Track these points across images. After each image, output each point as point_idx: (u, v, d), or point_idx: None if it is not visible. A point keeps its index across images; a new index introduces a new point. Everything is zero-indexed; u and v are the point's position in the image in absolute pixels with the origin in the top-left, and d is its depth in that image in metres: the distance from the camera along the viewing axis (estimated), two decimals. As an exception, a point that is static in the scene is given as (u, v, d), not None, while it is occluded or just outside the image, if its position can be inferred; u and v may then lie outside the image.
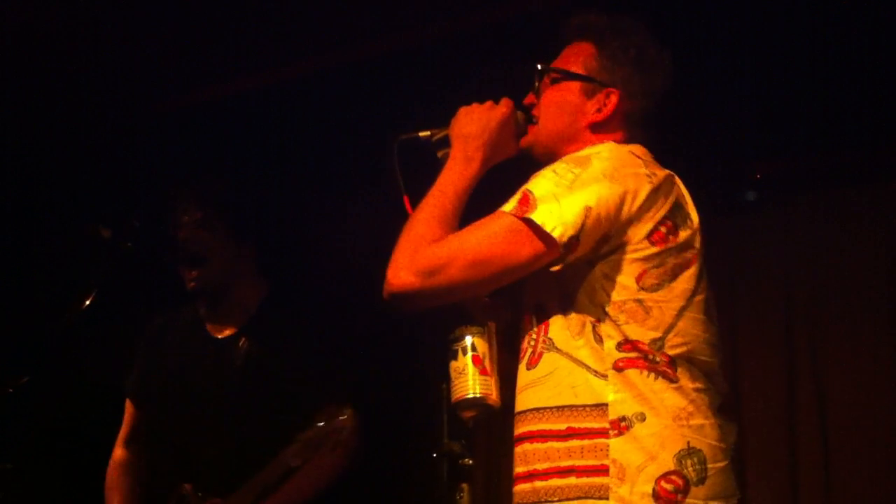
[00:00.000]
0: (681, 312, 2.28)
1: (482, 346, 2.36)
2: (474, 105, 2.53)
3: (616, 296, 2.26)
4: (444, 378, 2.40)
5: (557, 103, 2.55)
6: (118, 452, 3.76)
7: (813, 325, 4.36)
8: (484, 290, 2.39)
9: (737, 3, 3.83)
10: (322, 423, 3.21)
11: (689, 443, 2.17)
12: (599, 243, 2.25)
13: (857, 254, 4.31)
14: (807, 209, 4.43)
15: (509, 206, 2.27)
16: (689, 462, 2.16)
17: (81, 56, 4.57)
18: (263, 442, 3.34)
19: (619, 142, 2.49)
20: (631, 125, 2.52)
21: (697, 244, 2.36)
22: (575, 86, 2.54)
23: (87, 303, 3.12)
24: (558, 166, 2.31)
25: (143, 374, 3.72)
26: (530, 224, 2.21)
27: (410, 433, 4.33)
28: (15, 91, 4.70)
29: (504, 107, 2.54)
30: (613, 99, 2.50)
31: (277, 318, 3.59)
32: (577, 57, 2.57)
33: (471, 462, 2.35)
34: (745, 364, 4.41)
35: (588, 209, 2.21)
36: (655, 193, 2.30)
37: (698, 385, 2.25)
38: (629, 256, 2.27)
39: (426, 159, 2.60)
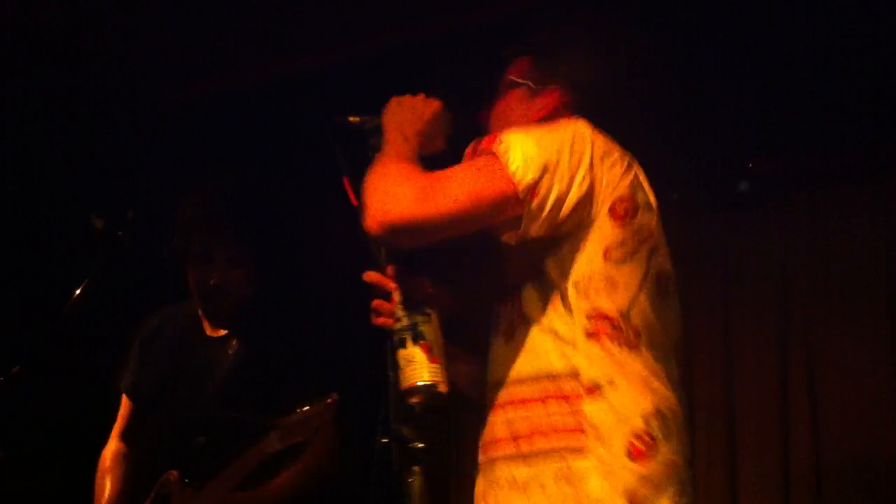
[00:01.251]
0: (641, 286, 2.40)
1: (431, 333, 2.39)
2: (407, 95, 2.60)
3: (585, 269, 2.37)
4: (391, 366, 2.42)
5: (503, 110, 2.68)
6: (111, 444, 3.76)
7: (807, 322, 4.38)
8: (471, 225, 2.40)
9: (735, 1, 3.83)
10: (304, 409, 3.25)
11: (654, 405, 2.33)
12: (558, 206, 2.34)
13: (853, 252, 4.33)
14: (803, 207, 4.44)
15: (476, 142, 2.43)
16: (655, 423, 2.31)
17: (80, 50, 4.60)
18: (254, 428, 3.34)
19: None
20: (581, 115, 2.55)
21: (655, 224, 2.47)
22: (517, 92, 2.67)
23: (79, 292, 3.12)
24: (528, 126, 2.44)
25: (137, 371, 3.73)
26: (495, 161, 2.33)
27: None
28: (13, 85, 4.70)
29: (435, 102, 2.61)
30: (555, 94, 2.62)
31: (270, 318, 3.59)
32: (514, 69, 2.71)
33: (421, 445, 2.34)
34: (738, 360, 4.43)
35: (548, 164, 2.33)
36: (613, 168, 2.41)
37: (657, 354, 2.38)
38: (595, 233, 2.38)
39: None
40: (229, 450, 3.35)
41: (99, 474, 3.73)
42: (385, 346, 2.45)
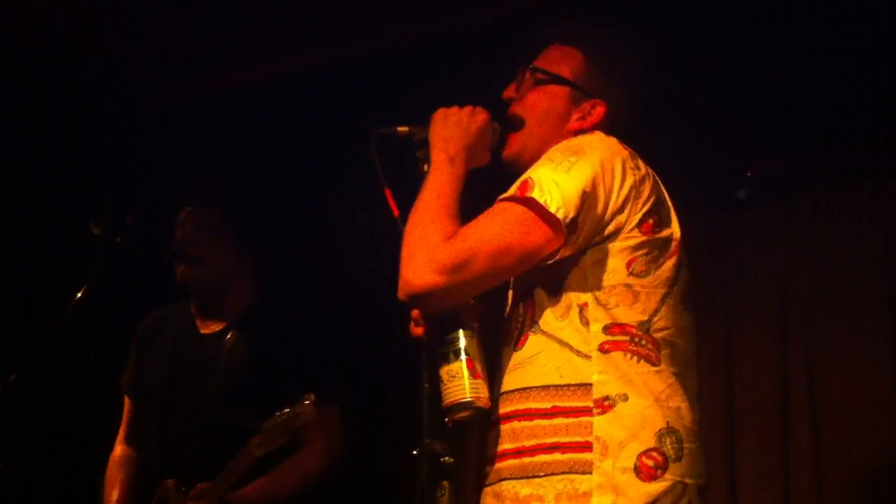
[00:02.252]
0: (664, 299, 2.36)
1: (473, 349, 2.34)
2: (454, 108, 2.52)
3: (606, 280, 2.33)
4: (431, 379, 2.37)
5: (545, 108, 2.58)
6: (118, 449, 3.76)
7: (808, 321, 4.37)
8: (502, 281, 2.41)
9: (734, 2, 3.82)
10: (285, 411, 3.25)
11: (668, 423, 2.27)
12: (594, 230, 2.32)
13: (853, 251, 4.33)
14: (803, 206, 4.44)
15: (510, 192, 2.32)
16: (668, 440, 2.25)
17: (80, 50, 4.56)
18: (244, 433, 3.33)
19: None
20: (609, 131, 2.54)
21: (678, 238, 2.43)
22: (562, 91, 2.58)
23: (78, 298, 3.12)
24: (554, 155, 2.36)
25: (136, 370, 3.73)
26: (534, 205, 2.26)
27: (391, 433, 4.32)
28: (13, 85, 4.68)
29: (482, 114, 2.53)
30: (600, 111, 2.56)
31: (265, 318, 3.59)
32: (565, 61, 2.61)
33: (452, 460, 2.27)
34: (738, 360, 4.42)
35: (585, 193, 2.27)
36: (642, 184, 2.38)
37: (676, 370, 2.34)
38: (620, 244, 2.34)
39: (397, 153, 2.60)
40: (221, 454, 3.35)
41: (107, 479, 3.72)
42: (419, 357, 2.41)
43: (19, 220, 4.86)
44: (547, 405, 2.30)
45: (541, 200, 2.25)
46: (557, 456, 2.26)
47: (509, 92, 2.63)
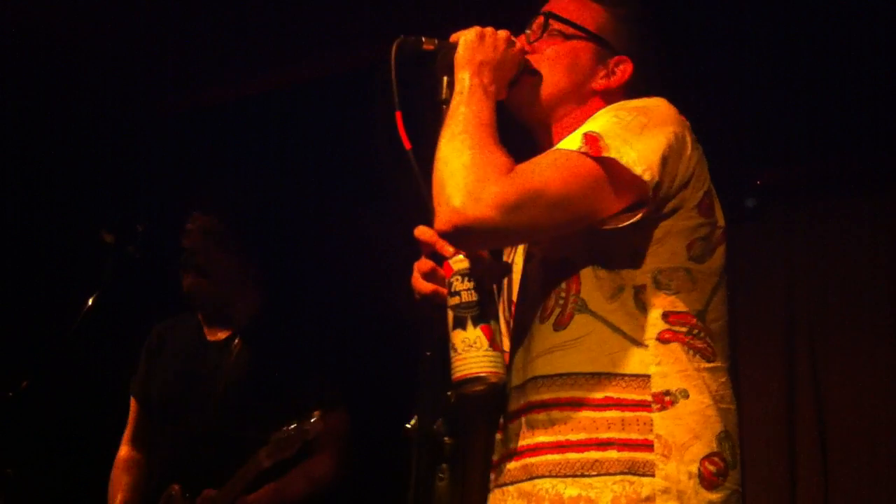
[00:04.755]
0: (716, 288, 2.16)
1: (493, 315, 2.10)
2: (489, 29, 2.24)
3: (666, 262, 2.10)
4: (436, 345, 2.09)
5: (568, 61, 2.31)
6: (123, 451, 3.77)
7: (813, 330, 4.34)
8: (557, 234, 2.14)
9: (739, 9, 3.82)
10: (293, 426, 3.26)
11: (725, 426, 2.06)
12: (663, 202, 2.09)
13: (858, 260, 4.29)
14: (809, 215, 4.41)
15: (573, 145, 2.05)
16: (726, 445, 2.05)
17: (87, 57, 4.56)
18: (252, 443, 3.36)
19: None
20: (630, 95, 2.30)
21: (723, 225, 2.22)
22: (587, 45, 2.32)
23: (89, 306, 3.13)
24: (618, 111, 2.12)
25: (144, 376, 3.76)
26: (611, 164, 2.01)
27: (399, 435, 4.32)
28: (18, 92, 4.69)
29: (517, 43, 2.28)
30: (627, 69, 2.31)
31: (271, 325, 3.61)
32: (587, 13, 2.35)
33: (451, 441, 2.00)
34: (745, 368, 4.37)
35: (664, 158, 2.05)
36: (703, 160, 2.18)
37: (728, 365, 2.15)
38: (681, 223, 2.12)
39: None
40: (228, 463, 3.39)
41: (111, 482, 3.73)
42: (421, 317, 2.17)
43: (23, 224, 4.85)
44: (598, 395, 2.05)
45: (621, 160, 2.00)
46: (613, 454, 2.02)
47: (520, 42, 2.33)
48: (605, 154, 2.00)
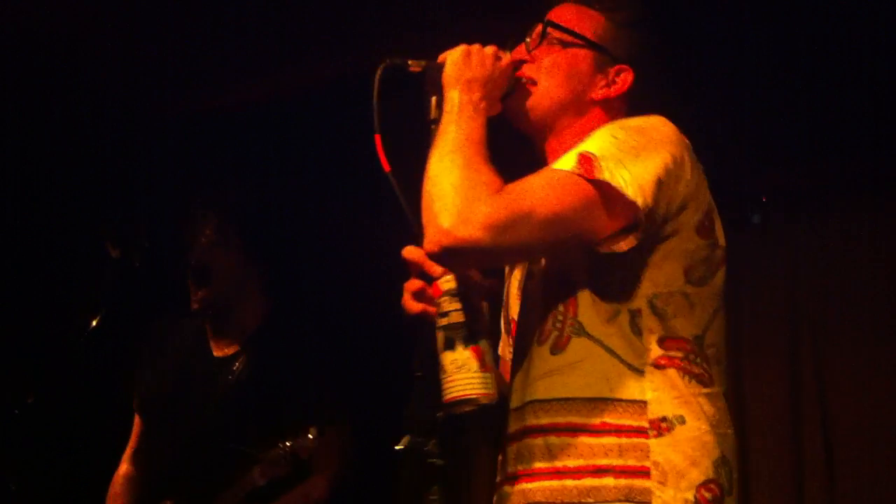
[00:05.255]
0: (716, 312, 2.15)
1: (482, 336, 2.08)
2: (476, 46, 2.23)
3: (663, 286, 2.08)
4: (426, 366, 2.09)
5: (567, 70, 2.28)
6: (122, 468, 3.77)
7: (816, 338, 4.35)
8: (548, 254, 2.15)
9: (742, 20, 3.82)
10: (287, 443, 3.28)
11: (722, 452, 2.06)
12: (659, 225, 2.07)
13: (861, 267, 4.31)
14: (812, 223, 4.42)
15: (567, 165, 2.03)
16: (723, 471, 2.05)
17: (89, 62, 4.57)
18: (248, 460, 3.37)
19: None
20: (631, 104, 2.30)
21: (723, 245, 2.19)
22: (586, 54, 2.29)
23: (95, 323, 3.11)
24: (615, 131, 2.09)
25: (146, 387, 3.74)
26: (604, 187, 1.99)
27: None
28: (24, 103, 4.70)
29: (506, 58, 2.26)
30: (628, 78, 2.28)
31: (274, 338, 3.60)
32: (586, 21, 2.32)
33: (442, 462, 2.00)
34: (748, 378, 4.39)
35: (659, 181, 2.01)
36: (703, 181, 2.15)
37: (724, 390, 2.14)
38: (678, 246, 2.09)
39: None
40: (223, 479, 3.40)
41: (108, 499, 3.72)
42: (410, 336, 2.14)
43: (29, 237, 4.85)
44: (595, 421, 2.04)
45: (613, 182, 1.98)
46: (609, 480, 2.01)
47: (518, 52, 2.32)
48: (597, 175, 1.99)
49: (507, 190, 2.00)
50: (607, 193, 2.00)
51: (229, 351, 3.63)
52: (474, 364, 2.03)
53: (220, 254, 3.57)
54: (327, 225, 4.78)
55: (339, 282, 4.70)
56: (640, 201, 1.99)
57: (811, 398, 4.30)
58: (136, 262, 3.13)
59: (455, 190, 2.00)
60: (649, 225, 2.03)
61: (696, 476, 2.01)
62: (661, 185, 2.02)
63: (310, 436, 3.28)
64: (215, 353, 3.65)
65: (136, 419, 3.76)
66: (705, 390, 2.08)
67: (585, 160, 2.01)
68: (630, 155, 2.02)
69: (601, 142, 2.06)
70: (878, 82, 3.94)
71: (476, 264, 2.14)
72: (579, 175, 2.00)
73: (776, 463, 4.32)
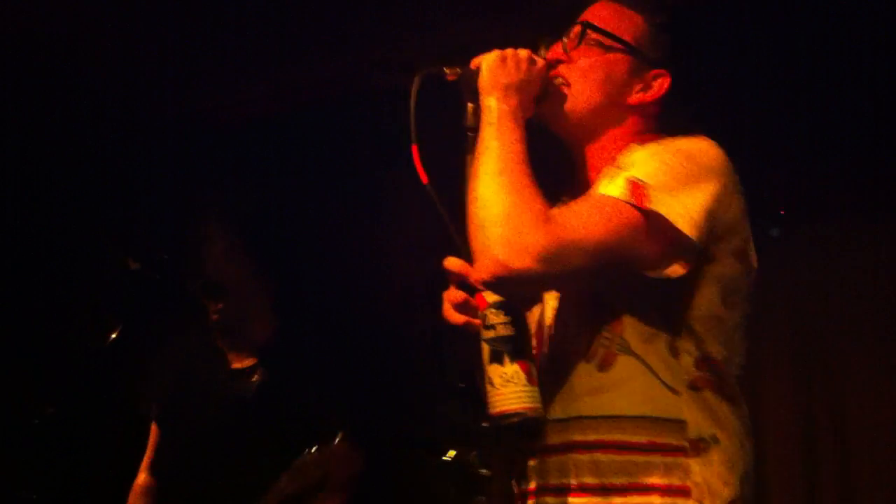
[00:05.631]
0: (745, 334, 2.18)
1: (529, 350, 2.08)
2: (509, 51, 2.19)
3: (701, 309, 2.10)
4: (468, 377, 2.14)
5: (603, 73, 2.26)
6: (140, 478, 3.78)
7: (832, 353, 4.34)
8: (594, 280, 2.12)
9: (755, 35, 3.84)
10: (313, 450, 3.30)
11: (748, 468, 2.11)
12: (703, 252, 2.08)
13: (874, 277, 4.28)
14: (826, 237, 4.40)
15: (616, 191, 2.03)
16: (747, 486, 2.10)
17: (92, 66, 4.56)
18: (267, 472, 3.38)
19: (655, 128, 2.29)
20: (665, 109, 2.31)
21: (755, 268, 2.22)
22: (624, 57, 2.27)
23: (114, 335, 3.12)
24: (664, 155, 2.08)
25: (163, 397, 3.74)
26: (655, 217, 2.00)
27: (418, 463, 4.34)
28: (24, 103, 4.68)
29: (540, 61, 2.22)
30: (665, 84, 2.27)
31: (289, 351, 3.60)
32: (625, 23, 2.29)
33: (487, 473, 2.08)
34: (763, 390, 4.36)
35: (710, 214, 2.03)
36: (742, 202, 2.16)
37: (746, 409, 2.17)
38: (719, 271, 2.11)
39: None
40: (246, 490, 3.39)
41: None
42: (447, 347, 2.20)
43: (46, 251, 4.84)
44: (642, 439, 2.06)
45: (665, 214, 1.99)
46: (656, 499, 2.04)
47: (555, 52, 2.29)
48: (648, 205, 1.99)
49: (557, 218, 2.01)
50: (658, 224, 2.01)
51: (245, 363, 3.64)
52: (522, 378, 2.04)
53: (233, 268, 3.58)
54: (331, 232, 4.78)
55: (348, 291, 4.71)
56: (692, 234, 2.00)
57: (825, 417, 4.29)
58: (155, 274, 3.15)
59: (506, 218, 1.99)
60: (697, 254, 2.06)
61: (728, 494, 2.05)
62: (710, 215, 2.03)
63: (336, 440, 3.29)
64: (233, 366, 3.66)
65: (153, 428, 3.77)
66: (735, 409, 2.12)
67: (636, 188, 2.01)
68: (681, 183, 2.03)
69: (650, 166, 2.06)
70: (886, 96, 3.96)
71: (527, 291, 2.17)
72: (630, 203, 2.01)
73: (790, 478, 4.31)
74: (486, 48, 2.27)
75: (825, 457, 4.28)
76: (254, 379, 3.56)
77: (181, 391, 3.68)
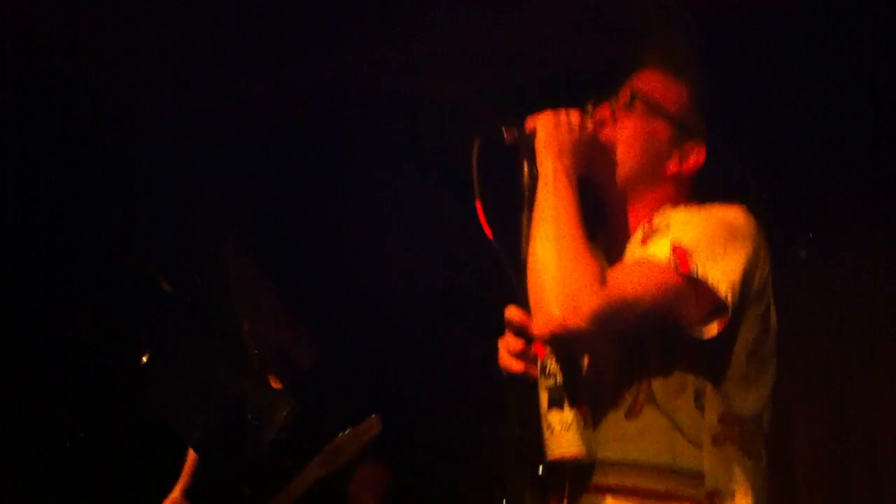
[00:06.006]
0: (769, 393, 2.29)
1: (583, 397, 2.18)
2: (561, 111, 2.33)
3: (728, 368, 2.22)
4: (526, 422, 2.21)
5: (646, 141, 2.40)
6: (175, 494, 3.78)
7: (866, 375, 4.32)
8: (639, 341, 2.24)
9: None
10: (346, 431, 3.29)
11: None
12: (735, 313, 2.18)
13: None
14: (854, 254, 4.37)
15: (661, 254, 2.16)
16: None
17: (92, 66, 4.53)
18: (303, 454, 3.39)
19: (687, 195, 2.40)
20: (699, 178, 2.42)
21: (776, 324, 2.33)
22: (665, 127, 2.40)
23: (145, 359, 3.12)
24: (703, 224, 2.22)
25: (189, 416, 3.74)
26: (697, 281, 2.13)
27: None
28: (24, 103, 4.64)
29: (590, 122, 2.36)
30: (701, 156, 2.40)
31: (322, 377, 3.58)
32: (671, 93, 2.43)
33: None
34: (796, 416, 4.35)
35: (744, 279, 2.17)
36: (769, 268, 2.28)
37: (767, 462, 2.27)
38: (746, 332, 2.23)
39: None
40: (270, 495, 3.39)
41: None
42: (507, 395, 2.25)
43: (78, 279, 4.81)
44: (660, 487, 2.17)
45: (706, 279, 2.12)
46: None
47: (602, 113, 2.41)
48: (692, 271, 2.12)
49: (610, 281, 2.13)
50: (700, 288, 2.13)
51: (276, 385, 3.64)
52: (579, 423, 2.15)
53: (262, 296, 3.58)
54: (340, 238, 4.77)
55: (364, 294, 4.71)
56: (729, 297, 2.12)
57: (859, 441, 4.27)
58: (188, 296, 3.15)
59: (563, 280, 2.14)
60: (732, 316, 2.16)
61: None
62: (744, 280, 2.16)
63: (370, 420, 3.27)
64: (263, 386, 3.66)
65: (191, 452, 3.77)
66: (755, 465, 2.22)
67: (681, 254, 2.14)
68: (719, 249, 2.16)
69: (691, 232, 2.19)
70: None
71: (581, 348, 2.26)
72: (675, 269, 2.13)
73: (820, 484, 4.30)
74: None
75: (856, 462, 4.29)
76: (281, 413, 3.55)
77: (210, 409, 3.67)
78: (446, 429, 4.51)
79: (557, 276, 2.15)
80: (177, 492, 3.77)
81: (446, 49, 4.42)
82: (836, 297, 4.37)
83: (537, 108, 2.35)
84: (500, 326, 2.31)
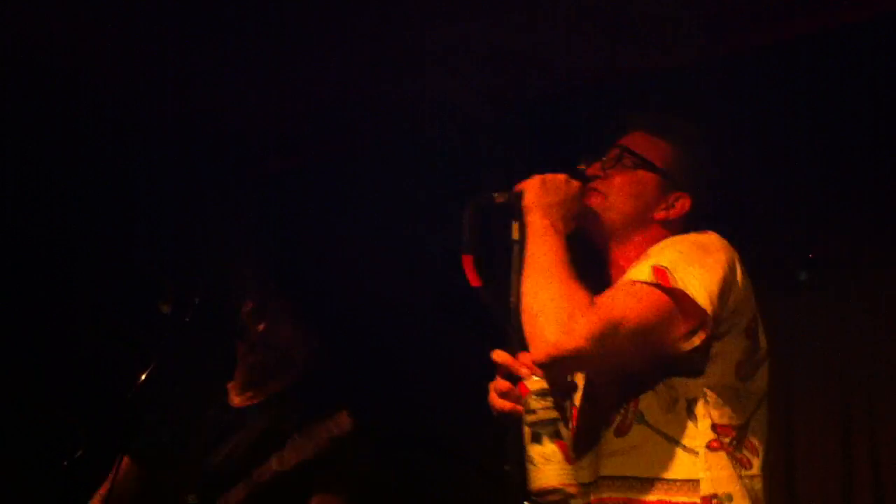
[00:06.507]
0: (758, 405, 2.43)
1: (565, 430, 2.32)
2: (549, 175, 2.55)
3: (718, 380, 2.36)
4: (512, 459, 2.34)
5: (633, 190, 2.63)
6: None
7: (869, 401, 4.25)
8: (635, 359, 2.36)
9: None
10: (313, 422, 3.25)
11: None
12: (718, 325, 2.36)
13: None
14: (861, 286, 4.33)
15: (643, 276, 2.33)
16: None
17: (92, 66, 4.51)
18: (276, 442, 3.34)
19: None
20: (690, 222, 2.63)
21: (766, 347, 2.50)
22: (651, 178, 2.63)
23: (145, 377, 3.13)
24: (678, 245, 2.42)
25: (150, 432, 3.76)
26: (680, 296, 2.30)
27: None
28: (24, 103, 4.63)
29: (577, 183, 2.58)
30: (686, 204, 2.63)
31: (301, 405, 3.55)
32: (656, 151, 2.67)
33: None
34: (796, 416, 4.32)
35: (721, 291, 2.33)
36: (749, 286, 2.45)
37: (764, 475, 2.40)
38: (732, 345, 2.39)
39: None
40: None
41: None
42: (501, 432, 2.40)
43: (76, 295, 4.81)
44: (652, 497, 2.32)
45: (686, 290, 2.28)
46: None
47: (594, 169, 2.66)
48: (672, 284, 2.29)
49: (598, 303, 2.29)
50: (681, 301, 2.30)
51: (250, 402, 3.65)
52: (560, 456, 2.26)
53: (266, 325, 3.57)
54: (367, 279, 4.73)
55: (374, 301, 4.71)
56: (709, 307, 2.30)
57: (864, 466, 4.20)
58: (187, 317, 3.15)
59: (555, 306, 2.29)
60: (714, 326, 2.33)
61: None
62: (721, 292, 2.33)
63: (339, 414, 3.22)
64: (235, 403, 3.66)
65: (126, 462, 3.65)
66: (748, 472, 2.35)
67: (660, 272, 2.32)
68: (696, 265, 2.34)
69: (669, 255, 2.37)
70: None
71: (579, 370, 2.48)
72: (657, 285, 2.30)
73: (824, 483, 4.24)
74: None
75: (856, 462, 4.24)
76: (253, 416, 3.54)
77: (172, 427, 3.68)
78: (446, 429, 4.54)
79: (550, 305, 2.30)
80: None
81: (446, 49, 4.41)
82: (836, 297, 4.38)
83: (528, 174, 2.59)
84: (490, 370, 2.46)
